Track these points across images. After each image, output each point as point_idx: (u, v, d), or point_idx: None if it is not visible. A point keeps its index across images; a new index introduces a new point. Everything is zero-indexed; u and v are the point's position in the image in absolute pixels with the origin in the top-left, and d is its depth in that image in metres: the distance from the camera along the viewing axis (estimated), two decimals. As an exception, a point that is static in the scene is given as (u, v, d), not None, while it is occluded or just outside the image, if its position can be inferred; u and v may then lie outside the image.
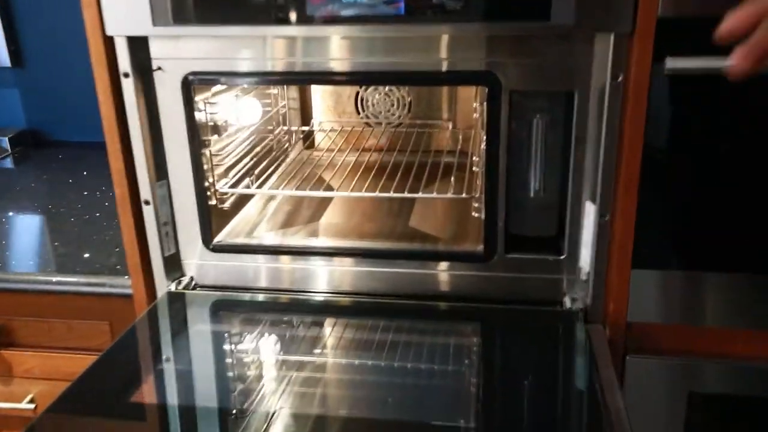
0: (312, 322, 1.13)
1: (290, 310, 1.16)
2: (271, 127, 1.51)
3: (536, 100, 1.02)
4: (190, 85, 1.08)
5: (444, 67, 1.02)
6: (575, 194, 1.05)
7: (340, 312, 1.15)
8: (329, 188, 1.39)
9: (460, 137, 1.47)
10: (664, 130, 0.99)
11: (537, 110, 1.03)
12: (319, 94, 1.56)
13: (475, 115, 1.08)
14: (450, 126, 1.52)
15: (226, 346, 1.09)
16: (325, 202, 1.39)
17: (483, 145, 1.05)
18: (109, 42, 1.05)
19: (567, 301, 1.10)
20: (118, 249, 1.33)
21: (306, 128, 1.57)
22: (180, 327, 1.13)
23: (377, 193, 1.15)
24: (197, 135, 1.12)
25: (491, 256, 1.11)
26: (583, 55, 0.97)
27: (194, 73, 1.08)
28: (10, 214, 1.54)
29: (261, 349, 1.08)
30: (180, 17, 1.01)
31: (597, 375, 0.94)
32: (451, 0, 0.93)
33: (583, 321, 1.06)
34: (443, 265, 1.14)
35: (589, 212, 1.04)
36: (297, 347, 1.06)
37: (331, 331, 1.11)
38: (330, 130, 1.56)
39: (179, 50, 1.07)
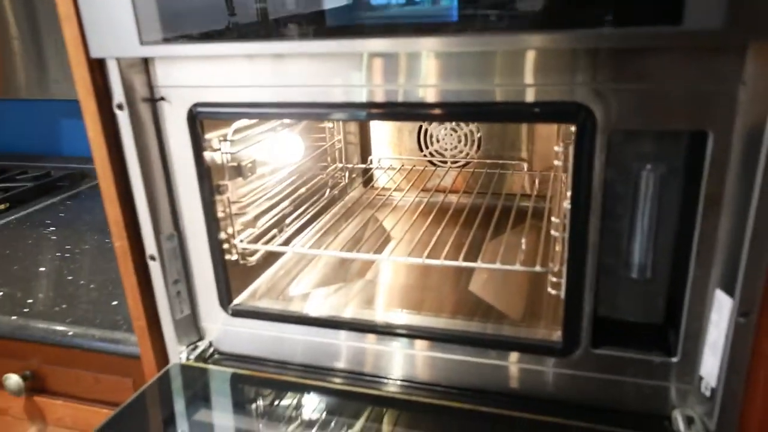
0: (335, 415, 0.75)
1: (318, 397, 0.78)
2: (324, 164, 1.15)
3: (647, 143, 0.60)
4: (196, 119, 0.73)
5: (502, 97, 0.61)
6: (699, 277, 0.61)
7: (378, 404, 0.76)
8: (385, 235, 1.01)
9: (537, 180, 1.05)
10: None
11: (648, 158, 0.60)
12: (378, 128, 1.19)
13: (556, 161, 0.67)
14: (525, 167, 1.10)
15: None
16: (378, 248, 1.00)
17: (566, 204, 0.64)
18: (98, 66, 0.72)
19: (678, 420, 0.66)
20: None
21: (362, 166, 1.19)
22: (186, 411, 0.78)
23: (425, 260, 0.75)
24: (208, 179, 0.77)
25: (572, 350, 0.68)
26: (726, 76, 0.54)
27: (201, 105, 0.73)
28: (58, 253, 1.26)
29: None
30: (172, 33, 0.66)
31: None
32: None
33: (708, 461, 0.62)
34: (508, 355, 0.73)
35: (722, 306, 0.60)
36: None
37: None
38: (389, 168, 1.18)
39: (185, 76, 0.72)
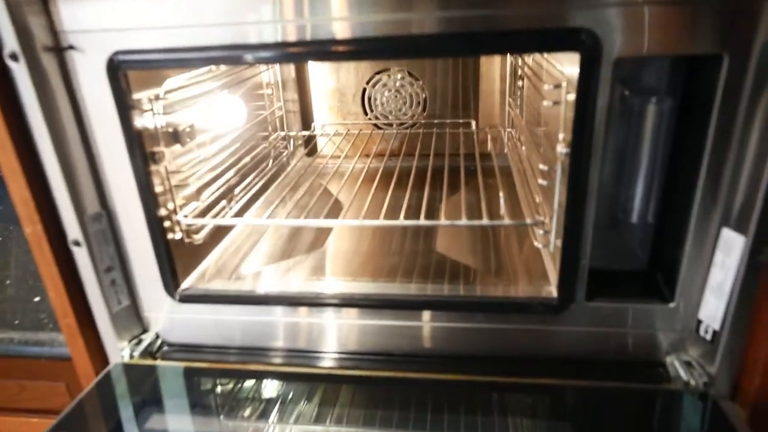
0: (320, 399, 0.59)
1: (289, 381, 0.62)
2: (266, 133, 0.96)
3: (654, 72, 0.48)
4: (118, 71, 0.53)
5: (501, 25, 0.47)
6: (702, 218, 0.51)
7: (357, 384, 0.61)
8: (336, 202, 0.85)
9: (489, 137, 0.93)
10: None
11: (654, 90, 0.48)
12: (320, 93, 1.01)
13: (546, 102, 0.54)
14: (473, 125, 0.97)
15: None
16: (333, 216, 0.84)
17: (561, 148, 0.51)
18: (-20, 4, 0.50)
19: (677, 367, 0.56)
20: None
21: (306, 133, 1.01)
22: (135, 418, 0.59)
23: (402, 221, 0.60)
24: (139, 146, 0.57)
25: (567, 305, 0.57)
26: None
27: (125, 52, 0.53)
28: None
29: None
30: (77, -46, 0.46)
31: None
32: None
33: (710, 399, 0.53)
34: (498, 317, 0.60)
35: (731, 245, 0.50)
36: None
37: (348, 413, 0.57)
38: (334, 135, 1.01)
39: (99, 15, 0.51)
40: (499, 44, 0.48)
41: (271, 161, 0.95)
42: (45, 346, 0.70)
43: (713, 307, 0.53)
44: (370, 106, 0.99)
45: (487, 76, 0.95)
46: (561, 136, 0.52)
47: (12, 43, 0.50)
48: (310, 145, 1.02)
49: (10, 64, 0.51)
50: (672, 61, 0.48)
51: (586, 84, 0.46)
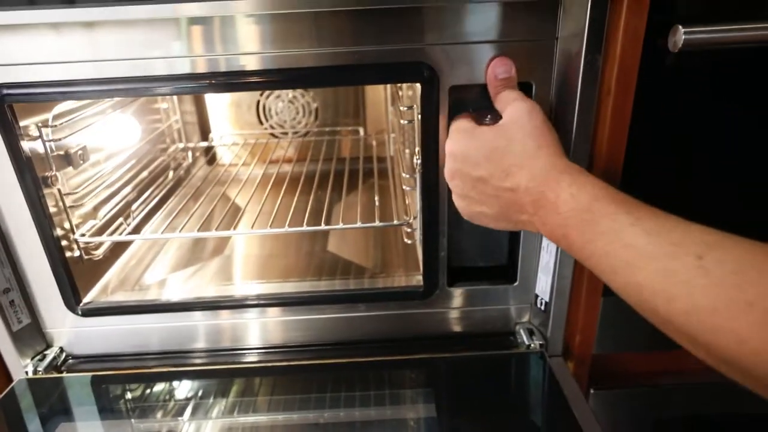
0: (209, 396, 0.65)
1: (190, 381, 0.67)
2: (164, 146, 0.98)
3: (483, 97, 0.58)
4: (3, 104, 0.56)
5: (354, 59, 0.55)
6: (531, 212, 0.62)
7: (254, 375, 0.67)
8: (235, 208, 0.90)
9: (374, 143, 1.01)
10: (657, 125, 0.57)
11: (486, 112, 0.58)
12: (216, 104, 1.04)
13: (403, 121, 0.63)
14: (361, 132, 1.05)
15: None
16: (232, 224, 0.89)
17: (417, 160, 0.60)
18: None
19: (522, 334, 0.68)
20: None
21: (204, 144, 1.05)
22: (44, 429, 0.61)
23: (287, 229, 0.67)
24: (30, 172, 0.59)
25: (432, 291, 0.67)
26: (544, 32, 0.53)
27: (9, 86, 0.55)
28: None
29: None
30: (-48, -1, 0.48)
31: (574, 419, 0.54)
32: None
33: (544, 357, 0.65)
34: (375, 305, 0.69)
35: (551, 233, 0.62)
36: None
37: (252, 403, 0.63)
38: (232, 144, 1.05)
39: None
40: (354, 77, 0.55)
41: (171, 173, 0.98)
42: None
43: (544, 283, 0.65)
44: (265, 116, 1.04)
45: (373, 87, 1.03)
46: (417, 149, 0.61)
47: None
48: (209, 155, 1.06)
49: None
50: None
51: (428, 107, 0.55)
